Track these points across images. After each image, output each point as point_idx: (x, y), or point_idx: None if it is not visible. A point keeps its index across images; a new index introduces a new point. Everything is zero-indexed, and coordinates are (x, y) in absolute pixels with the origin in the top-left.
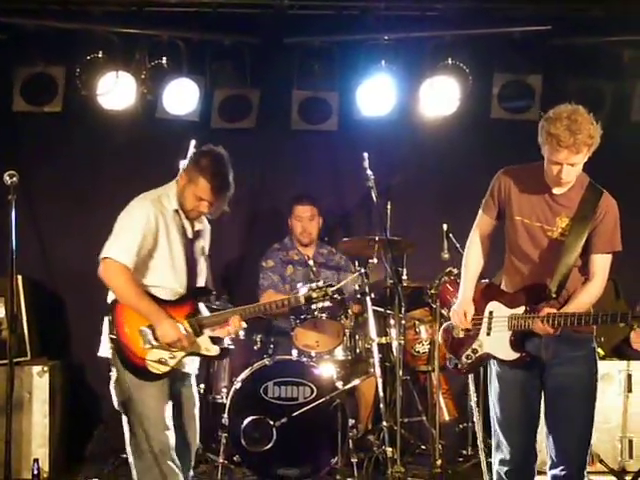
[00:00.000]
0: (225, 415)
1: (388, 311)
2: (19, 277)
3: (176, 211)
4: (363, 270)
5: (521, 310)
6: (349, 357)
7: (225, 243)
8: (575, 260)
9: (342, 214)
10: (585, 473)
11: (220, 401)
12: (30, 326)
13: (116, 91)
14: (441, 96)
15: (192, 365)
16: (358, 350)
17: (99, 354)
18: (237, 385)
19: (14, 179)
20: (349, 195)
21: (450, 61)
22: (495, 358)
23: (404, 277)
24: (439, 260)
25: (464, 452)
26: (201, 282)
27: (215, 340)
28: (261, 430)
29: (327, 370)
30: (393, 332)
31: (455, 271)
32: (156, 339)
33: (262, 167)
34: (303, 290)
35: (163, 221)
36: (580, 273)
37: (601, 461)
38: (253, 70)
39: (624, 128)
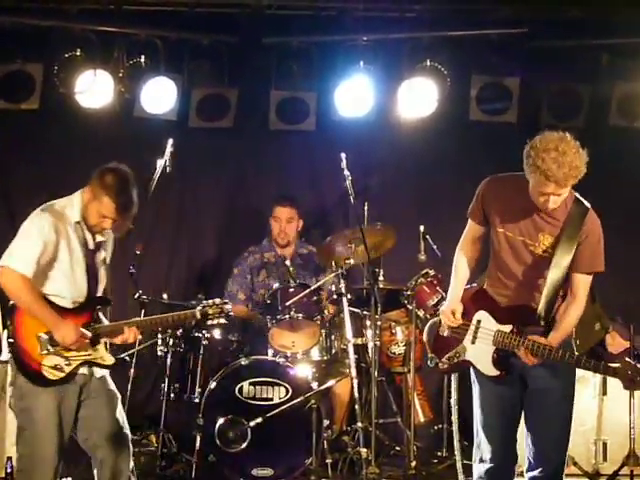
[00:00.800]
0: (200, 415)
1: (364, 312)
2: None
3: (78, 222)
4: (340, 271)
5: (508, 329)
6: (325, 357)
7: (202, 242)
8: (561, 280)
9: (320, 214)
10: (563, 475)
11: (195, 401)
12: (5, 323)
13: (94, 89)
14: (419, 97)
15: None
16: (334, 351)
17: (1, 358)
18: (212, 385)
19: None
20: (327, 195)
21: (428, 62)
22: (475, 368)
23: (380, 278)
24: (416, 262)
25: (439, 453)
26: (100, 292)
27: (110, 349)
28: (236, 430)
29: (302, 370)
30: (369, 333)
31: (432, 272)
32: (54, 345)
33: (240, 167)
34: (199, 307)
35: (64, 232)
36: (565, 294)
37: (575, 464)
38: (231, 69)
39: (602, 132)
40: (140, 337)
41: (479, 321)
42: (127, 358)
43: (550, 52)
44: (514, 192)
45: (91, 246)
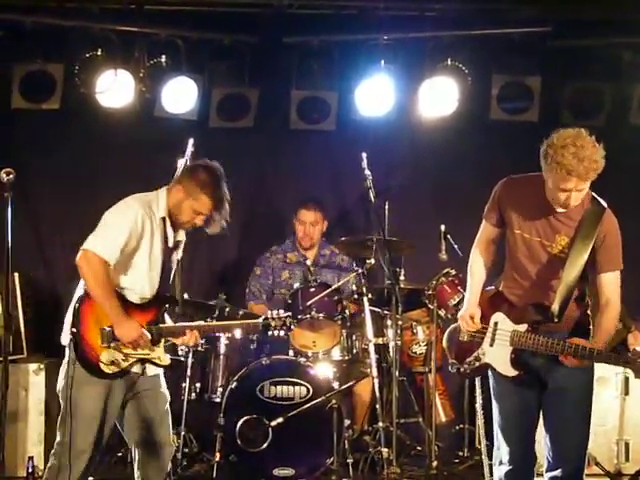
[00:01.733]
0: (221, 415)
1: (385, 312)
2: (16, 274)
3: (163, 219)
4: (360, 270)
5: (524, 328)
6: (346, 357)
7: (223, 243)
8: (576, 279)
9: (340, 214)
10: (584, 475)
11: (216, 400)
12: (27, 323)
13: (115, 89)
14: (440, 97)
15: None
16: (355, 351)
17: (61, 342)
18: (233, 385)
19: (11, 176)
20: (347, 195)
21: (449, 62)
22: (494, 370)
23: (401, 278)
24: (437, 261)
25: (460, 453)
26: (171, 291)
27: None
28: (257, 430)
29: (323, 370)
30: (390, 333)
31: (453, 272)
32: (115, 340)
33: (260, 167)
34: (263, 318)
35: (149, 225)
36: (580, 294)
37: (597, 464)
38: (252, 69)
39: (623, 130)
40: (203, 341)
41: (496, 323)
42: (183, 358)
43: (571, 51)
44: (530, 193)
45: (171, 244)
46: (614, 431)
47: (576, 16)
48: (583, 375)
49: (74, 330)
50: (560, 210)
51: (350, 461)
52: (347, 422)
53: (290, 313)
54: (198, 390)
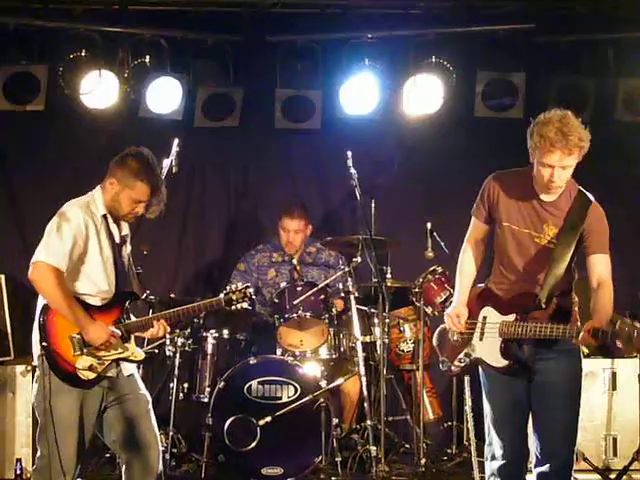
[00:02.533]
0: (209, 414)
1: (372, 310)
2: (2, 276)
3: (104, 216)
4: (347, 268)
5: (512, 318)
6: (333, 356)
7: (209, 242)
8: (564, 270)
9: (326, 212)
10: (572, 471)
11: (204, 400)
12: (13, 325)
13: (99, 90)
14: (425, 94)
15: (130, 366)
16: (342, 349)
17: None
18: (221, 384)
19: None
20: (333, 193)
21: (434, 59)
22: (485, 363)
23: (388, 276)
24: (423, 258)
25: (448, 451)
26: (128, 286)
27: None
28: (245, 429)
29: (311, 369)
30: (377, 331)
31: (439, 269)
32: (86, 345)
33: (245, 165)
34: (223, 293)
35: (93, 226)
36: (567, 283)
37: (585, 459)
38: (236, 68)
39: (608, 127)
40: (169, 330)
41: (485, 317)
42: (156, 350)
43: (556, 47)
44: (517, 186)
45: (117, 240)
46: (602, 427)
47: (561, 12)
48: (571, 368)
49: (44, 344)
50: (547, 199)
51: (339, 459)
52: (335, 421)
53: (249, 283)
54: (186, 390)
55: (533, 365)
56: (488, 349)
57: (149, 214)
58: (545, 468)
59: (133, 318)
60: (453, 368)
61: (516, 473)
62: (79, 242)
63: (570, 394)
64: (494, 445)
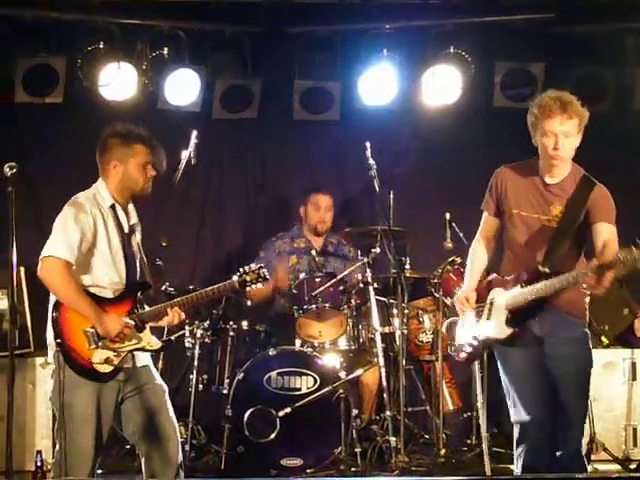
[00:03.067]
0: (228, 406)
1: (391, 300)
2: (21, 269)
3: (112, 207)
4: (366, 260)
5: (517, 290)
6: (352, 347)
7: (227, 233)
8: (567, 246)
9: (345, 203)
10: (584, 456)
11: (223, 392)
12: (33, 317)
13: (117, 82)
14: (443, 85)
15: (143, 356)
16: (361, 340)
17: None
18: (240, 376)
19: (14, 170)
20: (352, 184)
21: (452, 50)
22: (492, 340)
23: (407, 266)
24: (442, 249)
25: (468, 441)
26: (139, 276)
27: (155, 332)
28: (264, 420)
29: (330, 360)
30: (396, 322)
31: (458, 260)
32: (100, 339)
33: (264, 157)
34: (236, 275)
35: (100, 218)
36: (574, 258)
37: (605, 449)
38: (254, 60)
39: (627, 116)
40: (184, 316)
41: (492, 298)
42: (172, 338)
43: (574, 37)
44: (523, 175)
45: (126, 230)
46: (622, 417)
47: (579, 2)
48: (581, 354)
49: (59, 341)
50: (552, 182)
51: (358, 450)
52: (355, 412)
53: (263, 264)
54: (205, 382)
55: (541, 331)
56: (495, 325)
57: (159, 170)
58: (558, 454)
59: (147, 308)
60: (465, 355)
61: (542, 430)
62: (87, 234)
63: (580, 380)
64: (517, 407)
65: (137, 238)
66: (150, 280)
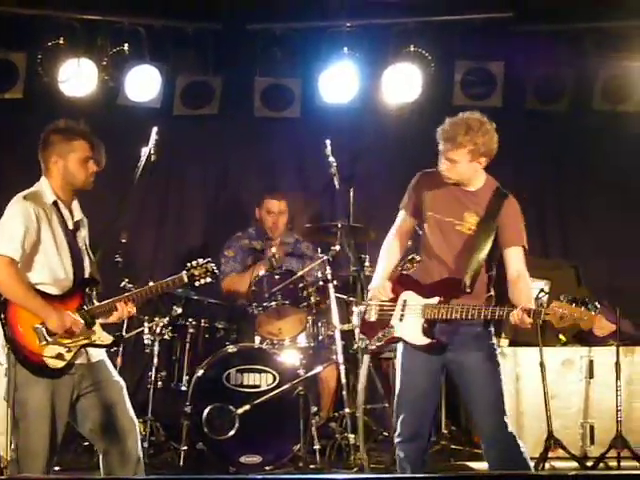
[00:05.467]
0: (187, 403)
1: (351, 298)
2: None
3: (54, 203)
4: (326, 257)
5: (435, 300)
6: (312, 344)
7: (188, 230)
8: (485, 257)
9: (305, 200)
10: (516, 438)
11: (182, 389)
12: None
13: (78, 78)
14: (403, 83)
15: (97, 351)
16: (321, 337)
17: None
18: (199, 373)
19: None
20: (312, 182)
21: (412, 48)
22: (406, 342)
23: (367, 264)
24: None
25: None
26: (86, 272)
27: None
28: (224, 417)
29: (290, 357)
30: (356, 319)
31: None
32: (51, 335)
33: (225, 154)
34: (185, 270)
35: (44, 215)
36: (486, 271)
37: (563, 447)
38: (215, 57)
39: (586, 116)
40: (134, 311)
41: (405, 300)
42: (124, 333)
43: (534, 36)
44: (442, 181)
45: (71, 226)
46: (579, 414)
47: (538, 1)
48: (483, 349)
49: (9, 338)
50: (469, 189)
51: (317, 447)
52: (314, 409)
53: (210, 258)
54: (164, 379)
55: (448, 343)
56: (409, 329)
57: (99, 166)
58: (488, 443)
59: (95, 303)
60: (370, 346)
61: (419, 448)
62: (30, 231)
63: (489, 372)
64: (399, 423)
65: (83, 234)
66: (97, 276)
